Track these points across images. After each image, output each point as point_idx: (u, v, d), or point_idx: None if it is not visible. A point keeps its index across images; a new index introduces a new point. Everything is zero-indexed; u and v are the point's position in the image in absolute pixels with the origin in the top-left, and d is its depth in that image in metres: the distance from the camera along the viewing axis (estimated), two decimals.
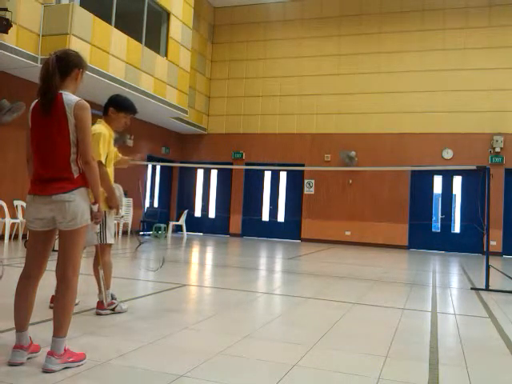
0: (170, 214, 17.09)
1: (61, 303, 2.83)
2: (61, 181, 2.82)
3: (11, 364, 2.79)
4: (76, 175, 2.86)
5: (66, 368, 2.79)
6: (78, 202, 2.83)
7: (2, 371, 2.72)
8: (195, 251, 11.51)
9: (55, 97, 2.82)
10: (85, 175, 2.89)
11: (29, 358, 2.89)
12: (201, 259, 10.09)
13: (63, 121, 2.81)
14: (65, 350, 2.81)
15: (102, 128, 4.11)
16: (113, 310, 4.23)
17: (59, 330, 2.80)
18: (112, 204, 4.16)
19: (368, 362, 3.29)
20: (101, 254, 4.17)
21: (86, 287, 5.05)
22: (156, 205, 16.68)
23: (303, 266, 9.48)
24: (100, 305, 4.19)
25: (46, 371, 2.71)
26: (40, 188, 2.85)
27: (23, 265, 2.99)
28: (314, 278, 7.58)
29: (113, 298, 4.27)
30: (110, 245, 4.32)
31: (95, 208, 2.93)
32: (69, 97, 2.85)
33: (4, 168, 10.44)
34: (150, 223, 15.35)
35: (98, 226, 3.46)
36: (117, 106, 4.30)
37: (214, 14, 17.32)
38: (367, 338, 3.91)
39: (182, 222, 15.18)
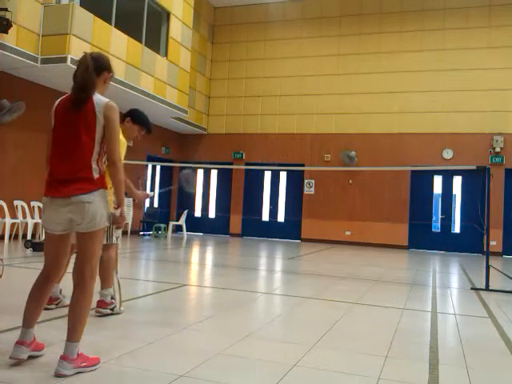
0: (170, 214, 17.09)
1: (76, 307, 2.79)
2: (80, 181, 2.78)
3: (12, 358, 2.78)
4: (96, 176, 2.81)
5: (79, 373, 2.74)
6: (97, 204, 2.79)
7: (2, 371, 2.72)
8: (195, 251, 11.51)
9: (91, 94, 2.82)
10: (104, 177, 2.85)
11: (31, 357, 2.88)
12: (201, 259, 10.09)
13: (92, 119, 2.79)
14: (78, 354, 2.76)
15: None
16: (112, 309, 4.23)
17: (73, 335, 2.75)
18: (136, 198, 4.66)
19: (368, 362, 3.28)
20: (107, 253, 4.26)
21: None
22: (156, 205, 16.68)
23: (303, 265, 9.48)
24: (101, 303, 4.20)
25: (58, 376, 2.67)
26: (58, 189, 2.80)
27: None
28: (313, 278, 7.58)
29: (112, 298, 4.28)
30: (116, 244, 4.38)
31: (118, 212, 2.88)
32: (99, 97, 2.87)
33: (4, 168, 10.44)
34: (150, 223, 15.35)
35: (120, 231, 3.43)
36: (133, 118, 4.48)
37: (214, 14, 17.32)
38: (367, 338, 3.91)
39: (181, 222, 15.17)
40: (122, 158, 4.22)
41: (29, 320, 2.86)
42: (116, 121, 2.86)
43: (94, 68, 2.88)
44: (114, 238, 4.32)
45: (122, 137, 4.32)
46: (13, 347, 2.81)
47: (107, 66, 3.00)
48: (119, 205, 2.91)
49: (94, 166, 2.82)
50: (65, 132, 2.85)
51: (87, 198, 2.76)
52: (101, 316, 4.14)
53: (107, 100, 2.88)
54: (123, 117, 4.52)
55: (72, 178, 2.79)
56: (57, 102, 2.94)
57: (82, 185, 2.78)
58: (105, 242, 4.24)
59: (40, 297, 2.89)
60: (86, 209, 2.76)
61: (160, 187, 16.77)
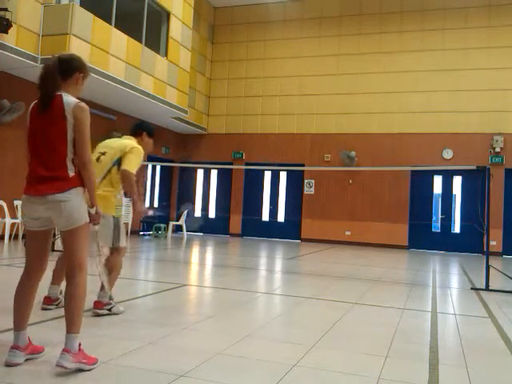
0: (169, 214, 17.09)
1: (71, 301, 2.84)
2: (56, 180, 2.83)
3: (7, 364, 2.78)
4: (72, 174, 2.86)
5: (79, 372, 2.74)
6: (73, 202, 2.83)
7: (1, 371, 2.72)
8: (195, 251, 11.51)
9: (53, 96, 2.85)
10: (80, 175, 2.89)
11: (29, 359, 2.88)
12: (201, 259, 10.09)
13: (62, 120, 2.83)
14: (80, 349, 2.80)
15: (138, 145, 4.42)
16: (109, 310, 4.22)
17: (71, 327, 2.80)
18: (137, 209, 4.55)
19: (368, 362, 3.28)
20: (114, 256, 4.29)
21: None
22: (156, 205, 16.67)
23: (303, 265, 9.48)
24: (98, 304, 4.19)
25: (59, 366, 2.69)
26: (35, 188, 2.85)
27: (23, 265, 2.99)
28: (314, 278, 7.57)
29: (110, 298, 4.28)
30: (124, 247, 4.40)
31: (93, 211, 2.94)
32: (69, 98, 2.89)
33: (4, 168, 10.44)
34: (150, 223, 15.34)
35: (96, 227, 3.50)
36: (150, 132, 4.67)
37: (214, 14, 17.32)
38: (367, 338, 3.91)
39: (181, 222, 15.17)
40: (137, 167, 4.32)
41: (19, 322, 2.87)
42: (85, 122, 2.88)
43: (61, 70, 2.91)
44: (123, 242, 4.32)
45: (142, 149, 4.42)
46: (8, 352, 2.81)
47: (77, 66, 3.02)
48: (93, 204, 2.94)
49: (69, 164, 2.86)
50: (39, 133, 2.89)
51: (62, 196, 2.81)
52: (99, 316, 4.14)
53: (77, 101, 2.90)
54: (136, 131, 4.61)
55: (48, 177, 2.84)
56: (32, 104, 2.97)
57: (59, 183, 2.82)
58: (111, 246, 4.25)
59: (25, 296, 2.91)
60: (62, 207, 2.81)
61: (160, 189, 16.78)
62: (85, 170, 2.88)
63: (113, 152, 4.29)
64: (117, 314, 4.24)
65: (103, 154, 4.31)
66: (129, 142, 4.42)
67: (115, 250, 4.31)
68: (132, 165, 4.25)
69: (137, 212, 4.60)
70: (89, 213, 2.93)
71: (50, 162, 2.85)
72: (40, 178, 2.85)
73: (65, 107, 2.83)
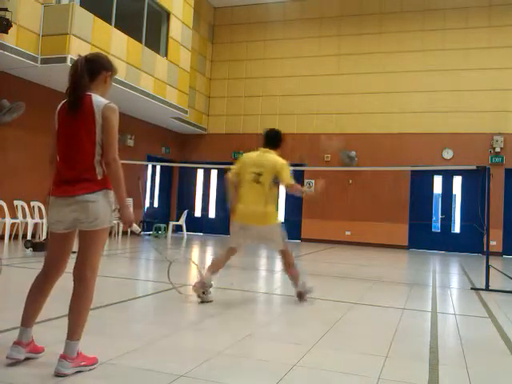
0: (170, 214, 17.09)
1: (77, 305, 2.80)
2: (85, 181, 2.81)
3: (8, 358, 2.77)
4: (100, 177, 2.85)
5: (79, 372, 2.74)
6: (101, 203, 2.82)
7: (1, 371, 2.72)
8: (195, 251, 11.51)
9: (82, 96, 2.83)
10: (108, 178, 2.87)
11: (29, 359, 2.88)
12: (201, 259, 10.09)
13: (91, 121, 2.80)
14: (77, 353, 2.77)
15: (282, 159, 5.13)
16: (300, 297, 5.16)
17: (73, 334, 2.76)
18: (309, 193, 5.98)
19: (368, 362, 3.28)
20: (286, 256, 5.25)
21: None
22: (156, 205, 16.67)
23: (303, 265, 9.46)
24: (301, 294, 5.09)
25: (58, 375, 2.67)
26: (63, 189, 2.83)
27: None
28: (313, 277, 7.56)
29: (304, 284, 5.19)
30: (286, 247, 5.23)
31: (115, 215, 2.92)
32: (98, 98, 2.86)
33: (4, 168, 10.44)
34: (149, 223, 15.34)
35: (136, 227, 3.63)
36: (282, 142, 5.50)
37: (214, 14, 17.32)
38: (367, 338, 3.91)
39: (181, 222, 15.17)
40: (291, 180, 5.08)
41: (26, 319, 2.87)
42: (114, 121, 2.85)
43: (89, 70, 2.88)
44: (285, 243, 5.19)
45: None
46: (10, 347, 2.81)
47: (104, 65, 2.99)
48: (119, 206, 2.92)
49: (96, 167, 2.84)
50: (66, 134, 2.88)
51: (91, 197, 2.80)
52: (101, 316, 4.14)
53: (107, 101, 2.88)
54: (278, 144, 5.50)
55: (77, 179, 2.82)
56: (60, 104, 2.96)
57: (87, 184, 2.81)
58: (281, 248, 5.21)
59: (38, 296, 2.91)
60: (90, 207, 2.79)
61: (160, 189, 16.78)
62: (109, 169, 2.84)
63: (268, 172, 4.96)
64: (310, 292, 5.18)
65: (259, 174, 4.92)
66: (275, 157, 5.14)
67: (284, 252, 5.17)
68: (289, 178, 5.04)
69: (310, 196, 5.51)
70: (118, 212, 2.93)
71: (79, 164, 2.83)
72: (68, 180, 2.83)
73: (94, 108, 2.81)
